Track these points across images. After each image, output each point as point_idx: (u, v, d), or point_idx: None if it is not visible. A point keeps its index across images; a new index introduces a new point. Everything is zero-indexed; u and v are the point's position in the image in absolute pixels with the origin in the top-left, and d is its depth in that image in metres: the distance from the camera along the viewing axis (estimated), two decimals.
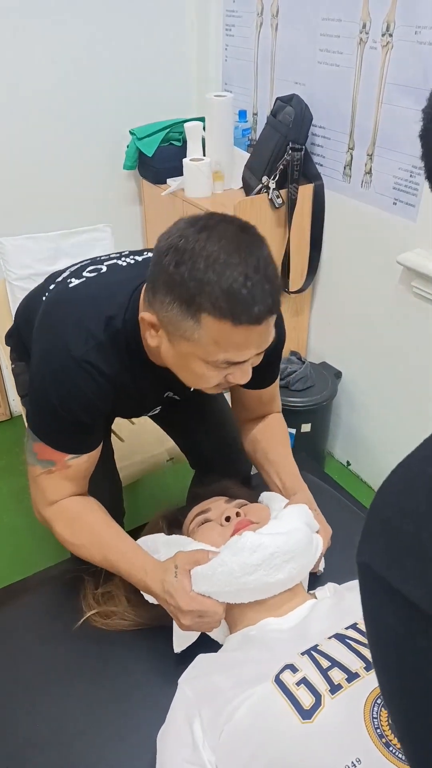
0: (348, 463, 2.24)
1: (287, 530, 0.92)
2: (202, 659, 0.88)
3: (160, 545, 1.00)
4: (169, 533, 1.05)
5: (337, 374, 2.08)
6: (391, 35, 1.54)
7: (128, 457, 1.57)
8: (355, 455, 2.21)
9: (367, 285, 1.88)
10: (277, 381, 1.27)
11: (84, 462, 1.04)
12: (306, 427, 1.99)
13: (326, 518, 1.08)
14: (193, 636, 0.94)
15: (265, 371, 1.14)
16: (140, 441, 1.65)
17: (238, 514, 0.98)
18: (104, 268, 1.07)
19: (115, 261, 1.09)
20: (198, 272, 0.82)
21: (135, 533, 1.08)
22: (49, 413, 1.00)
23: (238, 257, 0.82)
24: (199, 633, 0.94)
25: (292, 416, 1.95)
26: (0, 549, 1.93)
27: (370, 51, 1.61)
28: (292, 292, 2.01)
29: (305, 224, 1.94)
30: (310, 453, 2.11)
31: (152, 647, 0.96)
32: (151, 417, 1.51)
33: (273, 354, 1.13)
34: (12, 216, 2.07)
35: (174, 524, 1.08)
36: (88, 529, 1.02)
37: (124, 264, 1.08)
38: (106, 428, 1.23)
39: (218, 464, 1.40)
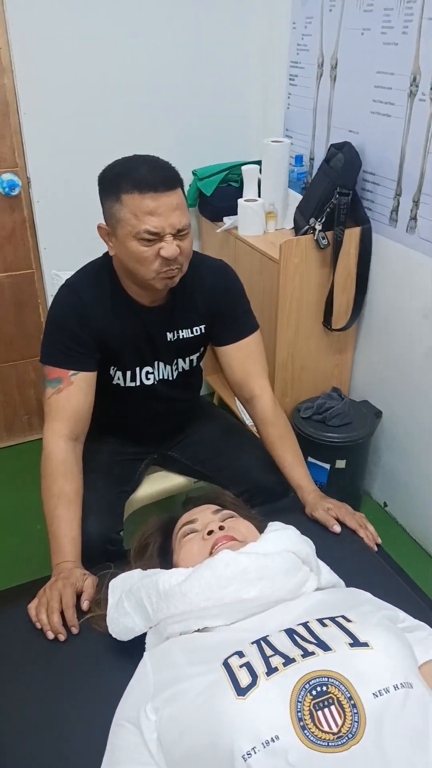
0: (385, 504, 2.22)
1: (265, 551, 0.95)
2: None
3: (134, 594, 0.98)
4: (163, 541, 1.10)
5: (378, 413, 2.09)
6: None
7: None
8: (392, 497, 2.19)
9: (411, 327, 1.90)
10: (255, 339, 1.46)
11: (83, 381, 1.29)
12: (341, 464, 2.00)
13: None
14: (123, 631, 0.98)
15: (234, 320, 1.43)
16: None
17: (221, 528, 1.01)
18: None
19: None
20: (116, 168, 1.20)
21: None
22: (50, 333, 1.31)
23: (140, 157, 1.21)
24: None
25: (326, 451, 1.98)
26: (17, 550, 2.03)
27: (419, 103, 1.67)
28: (335, 330, 2.05)
29: (351, 265, 1.99)
30: (345, 490, 2.12)
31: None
32: (175, 456, 1.59)
33: (233, 303, 1.43)
34: (72, 250, 2.14)
35: (168, 532, 1.12)
36: (57, 488, 1.23)
37: None
38: (106, 370, 1.38)
39: (258, 478, 1.43)
